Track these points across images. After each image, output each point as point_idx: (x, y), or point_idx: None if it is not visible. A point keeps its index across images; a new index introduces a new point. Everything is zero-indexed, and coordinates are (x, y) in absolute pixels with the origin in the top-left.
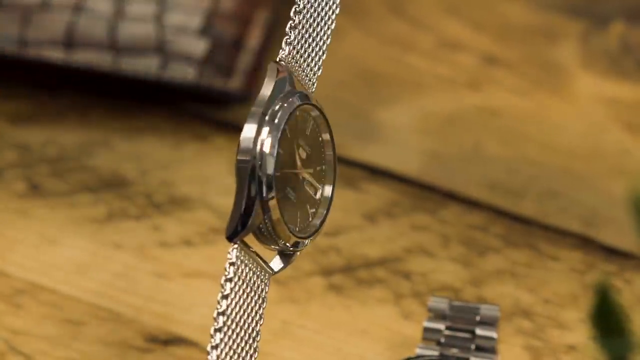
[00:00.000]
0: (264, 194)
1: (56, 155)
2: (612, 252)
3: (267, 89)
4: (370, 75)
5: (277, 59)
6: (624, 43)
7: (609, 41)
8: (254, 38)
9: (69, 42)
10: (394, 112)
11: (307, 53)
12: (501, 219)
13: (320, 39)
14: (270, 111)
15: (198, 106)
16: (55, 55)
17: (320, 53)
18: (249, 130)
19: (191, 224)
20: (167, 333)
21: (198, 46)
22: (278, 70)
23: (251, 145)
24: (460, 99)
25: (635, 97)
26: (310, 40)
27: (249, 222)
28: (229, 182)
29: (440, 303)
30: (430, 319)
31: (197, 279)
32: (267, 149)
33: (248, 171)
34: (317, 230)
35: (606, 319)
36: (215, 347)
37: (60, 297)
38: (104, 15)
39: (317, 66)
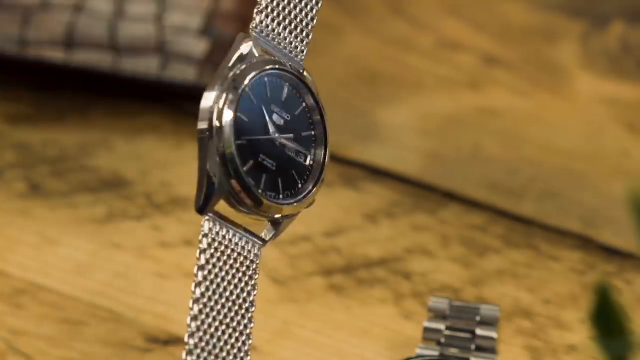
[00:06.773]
0: (228, 165)
1: (56, 155)
2: (611, 252)
3: (228, 57)
4: (370, 75)
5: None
6: (624, 43)
7: (609, 41)
8: None
9: (69, 42)
10: (394, 112)
11: (287, 20)
12: (501, 219)
13: (305, 4)
14: (231, 78)
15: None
16: (55, 55)
17: (308, 19)
18: (206, 99)
19: (191, 224)
20: (167, 333)
21: (198, 46)
22: (244, 38)
23: (208, 114)
24: (460, 99)
25: (635, 97)
26: (291, 6)
27: (214, 193)
28: None
29: (440, 303)
30: (430, 319)
31: None
32: (224, 116)
33: (206, 141)
34: (309, 192)
35: (606, 319)
36: (192, 335)
37: (60, 297)
38: (104, 15)
39: (304, 33)
